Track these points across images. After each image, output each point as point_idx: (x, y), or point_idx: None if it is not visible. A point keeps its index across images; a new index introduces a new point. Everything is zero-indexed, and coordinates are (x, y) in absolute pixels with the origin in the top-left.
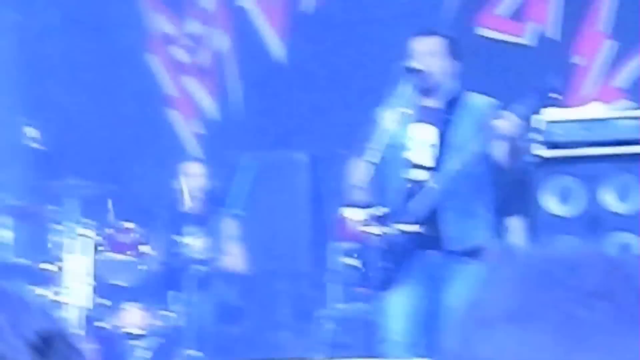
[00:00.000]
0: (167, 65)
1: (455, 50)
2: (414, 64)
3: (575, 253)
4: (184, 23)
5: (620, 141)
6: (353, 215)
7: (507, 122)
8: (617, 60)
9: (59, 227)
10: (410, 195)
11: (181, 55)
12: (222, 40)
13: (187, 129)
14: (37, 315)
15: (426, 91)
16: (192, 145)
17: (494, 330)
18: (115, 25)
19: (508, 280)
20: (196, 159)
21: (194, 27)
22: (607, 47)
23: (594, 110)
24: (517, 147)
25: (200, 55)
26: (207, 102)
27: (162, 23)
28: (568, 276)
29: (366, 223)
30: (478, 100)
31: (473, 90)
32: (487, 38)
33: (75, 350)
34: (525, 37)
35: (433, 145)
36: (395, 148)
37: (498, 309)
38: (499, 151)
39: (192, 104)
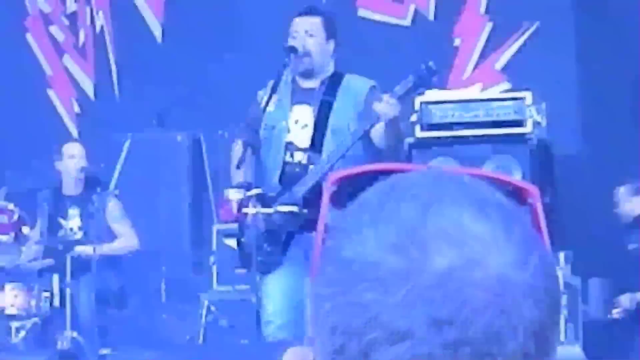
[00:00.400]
0: (46, 45)
1: (334, 30)
2: (293, 43)
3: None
4: (63, 2)
5: (497, 122)
6: (234, 196)
7: (386, 104)
8: (497, 42)
9: None
10: (290, 176)
11: (59, 34)
12: (100, 19)
13: (65, 109)
14: None
15: (305, 72)
16: (70, 125)
17: None
18: None
19: None
20: (76, 140)
21: (72, 6)
22: (486, 29)
23: (471, 91)
24: (396, 129)
25: (78, 34)
26: (84, 81)
27: (40, 2)
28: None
29: (246, 204)
30: (357, 82)
31: (352, 72)
32: (367, 19)
33: None
34: (406, 18)
35: (312, 127)
36: (274, 129)
37: None
38: (378, 133)
39: (70, 83)
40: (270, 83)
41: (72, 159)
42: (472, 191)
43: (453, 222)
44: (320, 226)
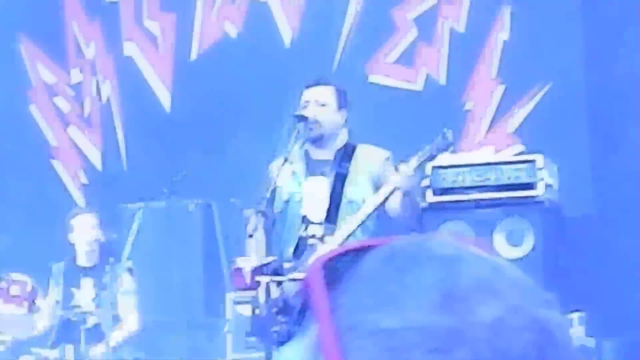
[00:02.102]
0: (50, 116)
1: (345, 100)
2: (303, 114)
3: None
4: (67, 73)
5: (509, 185)
6: (247, 264)
7: (402, 176)
8: (508, 105)
9: None
10: (304, 249)
11: (64, 105)
12: (106, 90)
13: (72, 180)
14: None
15: (316, 141)
16: (77, 196)
17: None
18: None
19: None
20: (89, 210)
21: (77, 76)
22: (498, 92)
23: (483, 154)
24: (412, 199)
25: (84, 105)
26: (91, 152)
27: (45, 73)
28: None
29: (260, 272)
30: (371, 153)
31: (364, 139)
32: (378, 85)
33: None
34: (417, 83)
35: (326, 199)
36: (287, 202)
37: None
38: (393, 204)
39: (77, 154)
40: (282, 152)
41: (85, 230)
42: (473, 248)
43: (480, 275)
44: (322, 311)
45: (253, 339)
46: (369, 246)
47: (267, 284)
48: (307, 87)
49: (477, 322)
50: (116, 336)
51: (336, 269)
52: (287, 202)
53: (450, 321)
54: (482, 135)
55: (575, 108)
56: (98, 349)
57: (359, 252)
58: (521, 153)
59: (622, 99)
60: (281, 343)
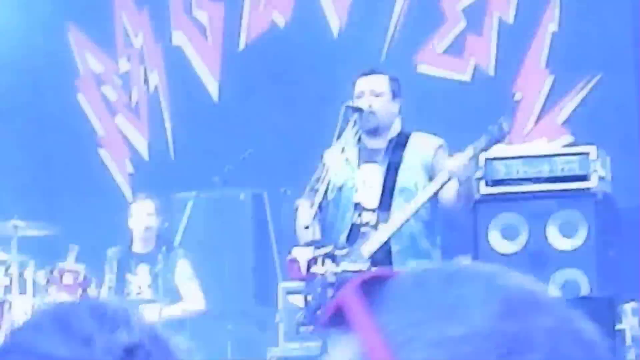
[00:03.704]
0: (97, 105)
1: (399, 89)
2: (358, 103)
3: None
4: (116, 61)
5: (562, 177)
6: (302, 254)
7: (459, 165)
8: (559, 95)
9: (3, 267)
10: (357, 236)
11: (112, 94)
12: (154, 78)
13: (118, 169)
14: (128, 330)
15: (371, 131)
16: (124, 185)
17: None
18: (45, 65)
19: None
20: (146, 197)
21: (125, 65)
22: (547, 83)
23: (536, 146)
24: (467, 188)
25: (131, 94)
26: (138, 141)
27: (93, 62)
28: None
29: (315, 262)
30: (424, 141)
31: (413, 129)
32: (427, 75)
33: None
34: (466, 73)
35: (379, 186)
36: (341, 189)
37: None
38: (447, 193)
39: (124, 143)
40: (336, 142)
41: (141, 217)
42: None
43: (525, 288)
44: (369, 329)
45: (306, 328)
46: (391, 274)
47: (323, 274)
48: (361, 76)
49: (539, 328)
50: (172, 310)
51: (368, 292)
52: (340, 189)
53: (515, 327)
54: (531, 125)
55: (625, 99)
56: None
57: (385, 278)
58: (570, 144)
59: None
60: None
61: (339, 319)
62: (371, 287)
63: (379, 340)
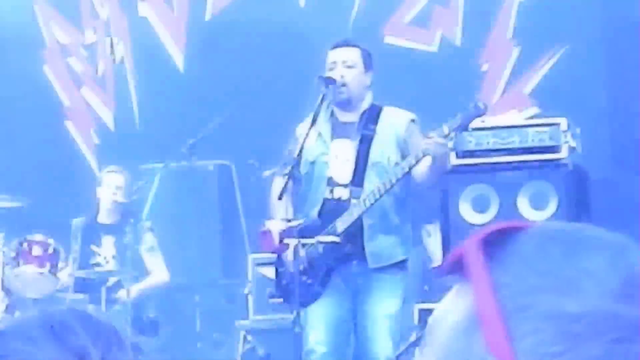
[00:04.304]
0: (63, 76)
1: (371, 62)
2: (330, 75)
3: None
4: (81, 33)
5: (533, 148)
6: (275, 226)
7: (434, 142)
8: (525, 67)
9: None
10: (330, 211)
11: (78, 65)
12: (120, 49)
13: (84, 140)
14: (123, 350)
15: (343, 103)
16: (90, 156)
17: None
18: (11, 36)
19: None
20: (117, 170)
21: (91, 37)
22: (514, 54)
23: (505, 118)
24: (442, 166)
25: (97, 65)
26: (104, 112)
27: (58, 34)
28: None
29: (288, 235)
30: (396, 115)
31: (380, 100)
32: (394, 46)
33: None
34: (433, 44)
35: (353, 161)
36: (314, 164)
37: None
38: (421, 170)
39: (89, 115)
40: (309, 116)
41: (108, 189)
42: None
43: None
44: (485, 290)
45: (276, 300)
46: (518, 227)
47: (295, 246)
48: (334, 47)
49: None
50: (140, 286)
51: (491, 246)
52: (312, 163)
53: (632, 311)
54: (497, 96)
55: (593, 70)
56: (119, 297)
57: (511, 231)
58: (537, 115)
59: None
60: (306, 304)
61: (458, 268)
62: (496, 240)
63: (492, 302)
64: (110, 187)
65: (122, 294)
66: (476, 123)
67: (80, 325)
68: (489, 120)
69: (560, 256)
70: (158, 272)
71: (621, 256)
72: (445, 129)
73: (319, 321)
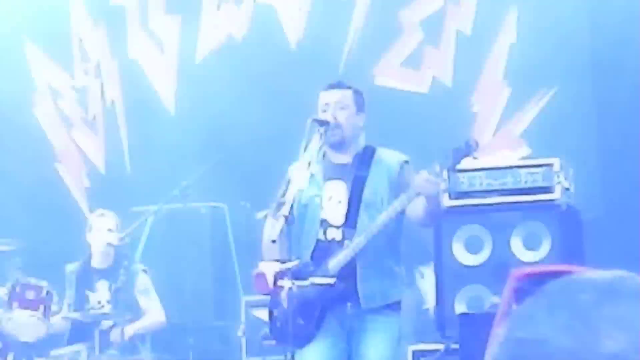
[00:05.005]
0: (54, 119)
1: (363, 103)
2: (323, 116)
3: None
4: (72, 76)
5: (526, 189)
6: (269, 268)
7: (426, 181)
8: (516, 107)
9: None
10: (323, 253)
11: (68, 108)
12: (110, 93)
13: (75, 184)
14: None
15: (337, 145)
16: (80, 199)
17: None
18: (1, 79)
19: None
20: (107, 213)
21: (82, 79)
22: (505, 94)
23: (498, 158)
24: (436, 205)
25: (88, 108)
26: (95, 155)
27: (49, 76)
28: None
29: (282, 277)
30: (389, 156)
31: (372, 141)
32: (385, 87)
33: None
34: (424, 85)
35: (344, 203)
36: (307, 206)
37: None
38: (414, 209)
39: (80, 157)
40: (302, 159)
41: (100, 232)
42: None
43: (626, 311)
44: (499, 315)
45: (270, 342)
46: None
47: (289, 287)
48: (326, 89)
49: (596, 351)
50: (134, 327)
51: (530, 283)
52: (305, 205)
53: (570, 343)
54: (489, 137)
55: (583, 110)
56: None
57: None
58: (529, 156)
59: (630, 101)
60: (300, 345)
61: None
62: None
63: (500, 325)
64: (101, 231)
65: (115, 334)
66: (469, 164)
67: None
68: (481, 161)
69: (552, 293)
70: (153, 313)
71: (602, 297)
72: (437, 167)
73: None
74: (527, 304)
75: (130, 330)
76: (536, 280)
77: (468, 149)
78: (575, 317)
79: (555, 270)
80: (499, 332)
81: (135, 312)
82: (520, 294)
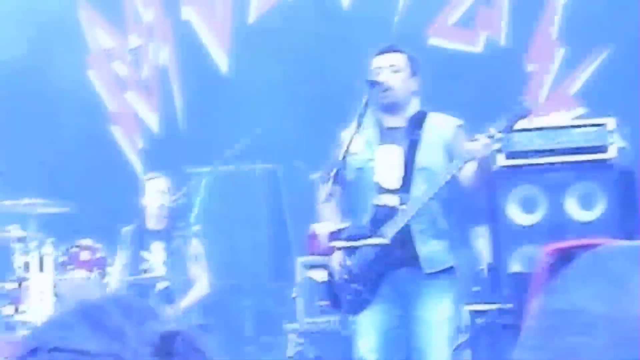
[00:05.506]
0: (108, 81)
1: (418, 67)
2: (377, 79)
3: None
4: (125, 37)
5: (580, 149)
6: (323, 229)
7: (480, 144)
8: (571, 67)
9: (20, 247)
10: (378, 218)
11: (123, 70)
12: (164, 54)
13: (131, 145)
14: (159, 321)
15: (389, 107)
16: (135, 161)
17: None
18: (55, 42)
19: None
20: (160, 175)
21: (135, 41)
22: (560, 54)
23: (552, 118)
24: (488, 168)
25: (142, 69)
26: (149, 117)
27: (103, 38)
28: None
29: (336, 238)
30: (443, 120)
31: (425, 103)
32: (439, 48)
33: (195, 349)
34: (478, 45)
35: (399, 167)
36: (362, 170)
37: None
38: (467, 173)
39: (135, 119)
40: (354, 123)
41: (155, 195)
42: None
43: None
44: (535, 289)
45: (325, 303)
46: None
47: (343, 249)
48: (379, 53)
49: (632, 316)
50: (186, 301)
51: (562, 257)
52: (360, 169)
53: (606, 309)
54: (543, 97)
55: (638, 69)
56: (168, 313)
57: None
58: (584, 116)
59: None
60: (356, 311)
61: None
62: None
63: (535, 299)
64: (154, 193)
65: (170, 309)
66: (523, 124)
67: (114, 306)
68: (535, 121)
69: (585, 264)
70: (200, 284)
71: (634, 264)
72: (491, 131)
73: (369, 329)
74: (561, 276)
75: (185, 302)
76: (568, 254)
77: (522, 112)
78: (610, 284)
79: (586, 243)
80: (533, 306)
81: (187, 274)
82: (553, 268)
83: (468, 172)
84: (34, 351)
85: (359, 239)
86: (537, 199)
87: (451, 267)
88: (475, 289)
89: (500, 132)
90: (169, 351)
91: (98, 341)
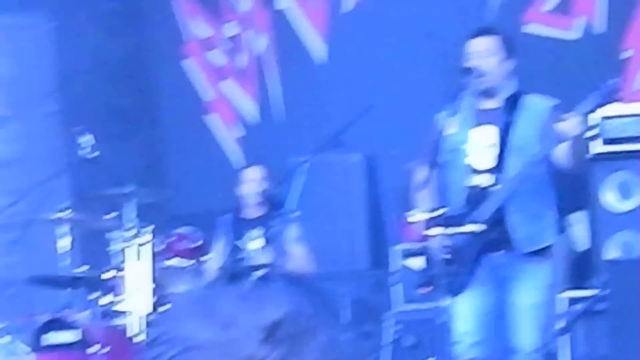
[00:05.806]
0: (205, 70)
1: (513, 49)
2: (471, 64)
3: None
4: (222, 26)
5: None
6: (419, 217)
7: (571, 123)
8: None
9: (118, 235)
10: (473, 198)
11: (220, 59)
12: (261, 42)
13: (228, 134)
14: (270, 305)
15: (484, 92)
16: (233, 149)
17: None
18: (152, 32)
19: None
20: (256, 163)
21: (232, 30)
22: None
23: None
24: (580, 148)
25: (239, 58)
26: (247, 105)
27: (199, 28)
28: None
29: (430, 225)
30: (538, 101)
31: (526, 88)
32: (534, 35)
33: (305, 330)
34: (573, 31)
35: (494, 147)
36: (456, 152)
37: None
38: (561, 153)
39: (232, 108)
40: (448, 104)
41: (252, 183)
42: None
43: None
44: None
45: (425, 289)
46: None
47: (440, 235)
48: (473, 36)
49: None
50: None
51: None
52: (454, 151)
53: None
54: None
55: None
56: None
57: None
58: None
59: None
60: (455, 294)
61: None
62: None
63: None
64: (251, 182)
65: (274, 296)
66: (620, 110)
67: (226, 295)
68: (633, 107)
69: None
70: (303, 263)
71: None
72: (580, 110)
73: (467, 312)
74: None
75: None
76: None
77: (610, 92)
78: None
79: None
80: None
81: (286, 262)
82: None
83: (562, 153)
84: (149, 343)
85: (455, 222)
86: (634, 185)
87: (547, 250)
88: (571, 275)
89: (589, 112)
90: (279, 337)
91: (209, 331)
